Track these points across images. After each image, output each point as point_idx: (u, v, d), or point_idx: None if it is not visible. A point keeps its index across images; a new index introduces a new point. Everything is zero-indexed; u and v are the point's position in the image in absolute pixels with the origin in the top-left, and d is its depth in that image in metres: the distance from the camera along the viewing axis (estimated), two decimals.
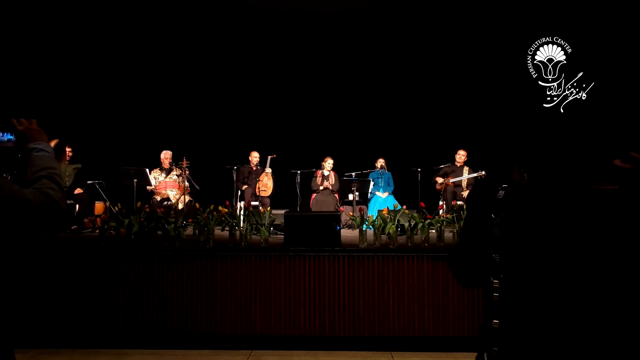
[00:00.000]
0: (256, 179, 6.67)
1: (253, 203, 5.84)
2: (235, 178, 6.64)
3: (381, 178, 6.98)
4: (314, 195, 7.00)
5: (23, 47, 7.38)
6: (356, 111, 8.37)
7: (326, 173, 7.03)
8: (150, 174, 6.29)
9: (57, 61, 7.62)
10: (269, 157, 6.82)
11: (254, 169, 6.89)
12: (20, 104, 7.33)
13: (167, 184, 6.48)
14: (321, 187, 6.92)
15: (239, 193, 6.79)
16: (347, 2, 7.71)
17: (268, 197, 6.75)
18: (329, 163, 6.99)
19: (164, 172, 6.56)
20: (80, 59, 7.78)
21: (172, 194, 6.37)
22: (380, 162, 7.05)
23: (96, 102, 7.86)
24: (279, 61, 8.34)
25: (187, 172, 6.39)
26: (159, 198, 6.26)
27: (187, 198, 6.22)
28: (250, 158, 6.96)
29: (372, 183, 6.82)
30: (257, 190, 6.57)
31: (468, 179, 6.55)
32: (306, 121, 8.27)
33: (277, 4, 7.69)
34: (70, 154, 6.01)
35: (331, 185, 6.93)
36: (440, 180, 6.69)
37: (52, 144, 1.32)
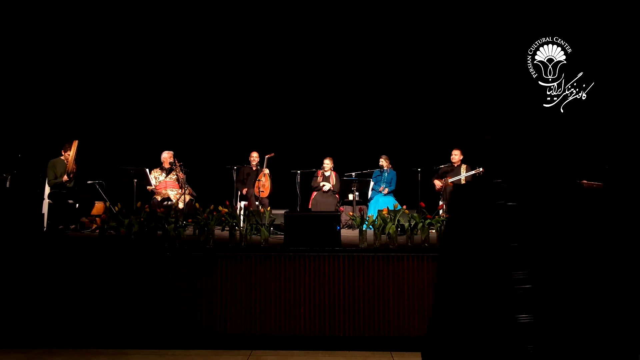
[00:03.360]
0: (255, 179, 6.67)
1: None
2: (235, 178, 6.64)
3: (381, 177, 6.97)
4: (313, 194, 6.99)
5: (24, 47, 7.39)
6: (356, 111, 8.37)
7: (327, 174, 7.02)
8: (150, 173, 6.29)
9: (58, 61, 7.62)
10: (266, 156, 6.81)
11: (254, 169, 6.88)
12: (21, 104, 7.34)
13: (167, 183, 6.47)
14: (325, 188, 6.87)
15: (239, 193, 6.78)
16: (348, 0, 7.72)
17: (267, 197, 6.74)
18: (327, 164, 6.99)
19: (164, 172, 6.56)
20: (81, 59, 7.78)
21: (173, 194, 6.37)
22: (382, 162, 7.04)
23: (96, 101, 7.85)
24: (280, 61, 8.33)
25: (183, 175, 6.39)
26: (159, 198, 6.26)
27: (188, 198, 6.22)
28: (250, 159, 6.96)
29: (372, 183, 6.82)
30: (256, 190, 6.57)
31: (466, 177, 6.55)
32: (306, 121, 8.27)
33: (277, 2, 7.70)
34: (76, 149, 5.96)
35: (332, 186, 6.92)
36: (438, 183, 6.69)
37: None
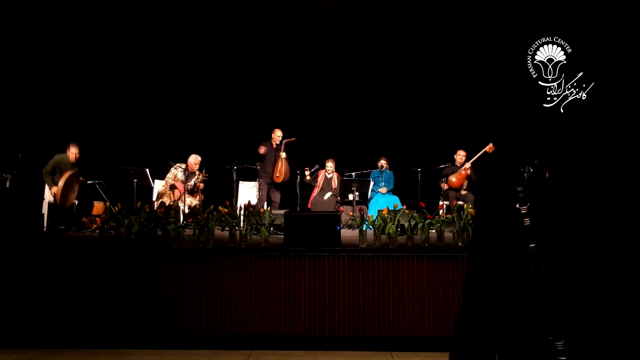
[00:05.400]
0: (274, 159, 6.72)
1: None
2: (234, 178, 6.63)
3: (381, 177, 6.98)
4: (313, 194, 6.99)
5: (25, 47, 7.39)
6: (357, 111, 8.37)
7: (329, 175, 7.00)
8: (172, 168, 6.23)
9: (58, 61, 7.62)
10: (285, 140, 6.84)
11: (274, 146, 6.90)
12: (21, 104, 7.34)
13: (181, 186, 6.33)
14: (325, 197, 6.85)
15: (238, 194, 6.78)
16: (350, 2, 7.72)
17: (281, 182, 6.81)
18: (329, 166, 6.97)
19: (187, 174, 6.40)
20: (82, 59, 7.78)
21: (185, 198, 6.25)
22: (381, 162, 7.04)
23: (96, 101, 7.86)
24: (282, 62, 8.33)
25: (202, 185, 6.36)
26: (167, 201, 6.08)
27: (195, 203, 6.18)
28: (272, 135, 6.98)
29: (372, 183, 6.81)
30: (274, 176, 6.64)
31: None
32: (306, 122, 8.26)
33: (281, 5, 7.71)
34: (77, 156, 5.94)
35: (333, 190, 6.91)
36: (445, 187, 6.63)
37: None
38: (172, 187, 6.26)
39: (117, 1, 7.48)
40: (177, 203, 5.97)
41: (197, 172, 6.43)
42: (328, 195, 6.86)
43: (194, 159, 6.50)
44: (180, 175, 6.36)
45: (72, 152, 5.93)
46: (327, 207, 6.70)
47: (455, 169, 6.67)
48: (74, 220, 5.79)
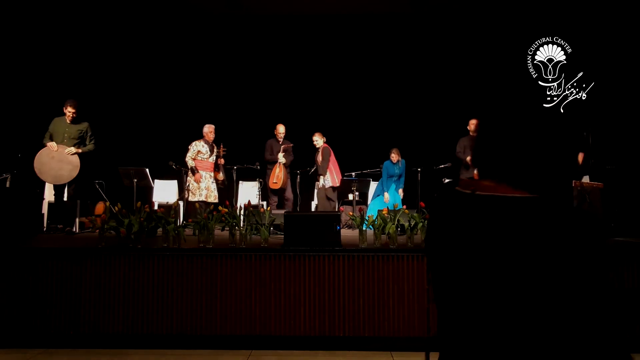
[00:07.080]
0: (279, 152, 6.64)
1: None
2: (234, 178, 6.63)
3: (395, 168, 6.72)
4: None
5: (25, 46, 7.38)
6: (356, 111, 8.36)
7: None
8: (192, 145, 6.09)
9: (58, 60, 7.62)
10: (283, 146, 6.70)
11: (279, 142, 6.80)
12: (21, 104, 7.33)
13: (204, 164, 6.12)
14: (327, 184, 6.64)
15: (238, 194, 6.78)
16: (352, 4, 7.72)
17: (278, 189, 6.64)
18: (316, 139, 6.76)
19: (208, 146, 6.17)
20: (82, 58, 7.78)
21: (205, 185, 6.10)
22: (393, 155, 6.71)
23: (96, 101, 7.85)
24: (281, 62, 8.33)
25: (223, 161, 6.25)
26: (194, 196, 5.92)
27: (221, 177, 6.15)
28: (275, 132, 6.85)
29: (371, 182, 6.79)
30: (270, 182, 6.53)
31: None
32: (306, 121, 8.26)
33: (284, 6, 7.72)
34: (74, 114, 5.62)
35: (319, 162, 6.66)
36: (469, 158, 6.33)
37: None
38: (193, 171, 6.10)
39: (121, 2, 7.48)
40: (177, 203, 5.97)
41: (215, 147, 6.31)
42: (328, 183, 6.62)
43: (208, 128, 6.26)
44: (204, 149, 6.15)
45: (69, 111, 5.59)
46: (322, 196, 6.60)
47: (469, 141, 6.36)
48: (73, 220, 5.78)
